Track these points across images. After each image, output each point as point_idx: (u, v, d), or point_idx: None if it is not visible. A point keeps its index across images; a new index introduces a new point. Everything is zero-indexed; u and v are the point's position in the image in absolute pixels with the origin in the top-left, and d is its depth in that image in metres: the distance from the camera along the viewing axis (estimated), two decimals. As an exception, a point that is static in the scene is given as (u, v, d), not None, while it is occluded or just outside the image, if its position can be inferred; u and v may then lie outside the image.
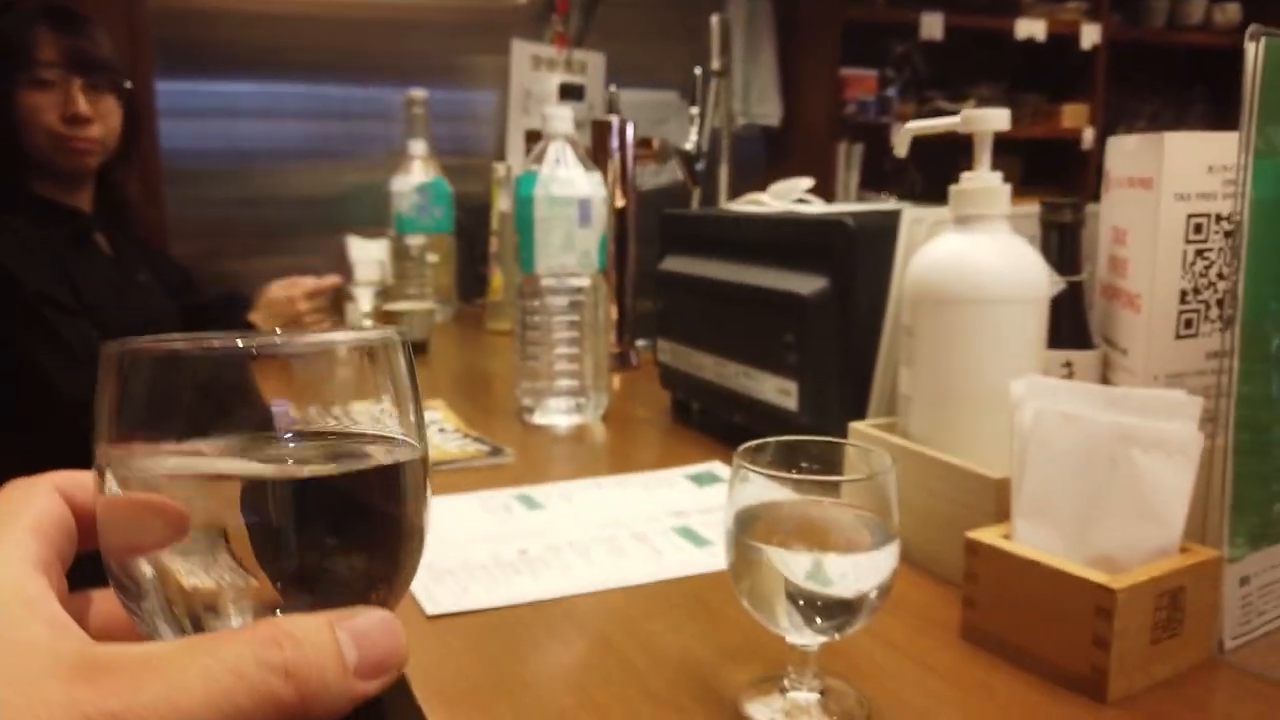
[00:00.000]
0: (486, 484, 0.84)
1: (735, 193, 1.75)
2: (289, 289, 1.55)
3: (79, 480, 0.29)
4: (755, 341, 0.88)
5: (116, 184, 1.50)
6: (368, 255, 1.87)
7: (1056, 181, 2.60)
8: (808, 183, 1.04)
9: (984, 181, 0.64)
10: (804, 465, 0.47)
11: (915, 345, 0.65)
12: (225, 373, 0.27)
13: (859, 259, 0.76)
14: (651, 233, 1.43)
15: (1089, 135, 2.55)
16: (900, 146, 0.73)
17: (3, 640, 0.24)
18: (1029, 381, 0.55)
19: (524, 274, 1.03)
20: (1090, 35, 2.48)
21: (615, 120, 1.33)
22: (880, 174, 2.43)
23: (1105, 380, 0.68)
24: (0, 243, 1.29)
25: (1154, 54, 2.76)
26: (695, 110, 1.46)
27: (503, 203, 1.71)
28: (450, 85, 2.09)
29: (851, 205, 0.95)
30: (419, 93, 1.92)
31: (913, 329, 0.66)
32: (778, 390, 0.84)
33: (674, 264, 1.04)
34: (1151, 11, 2.68)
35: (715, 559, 0.66)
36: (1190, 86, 2.84)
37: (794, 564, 0.43)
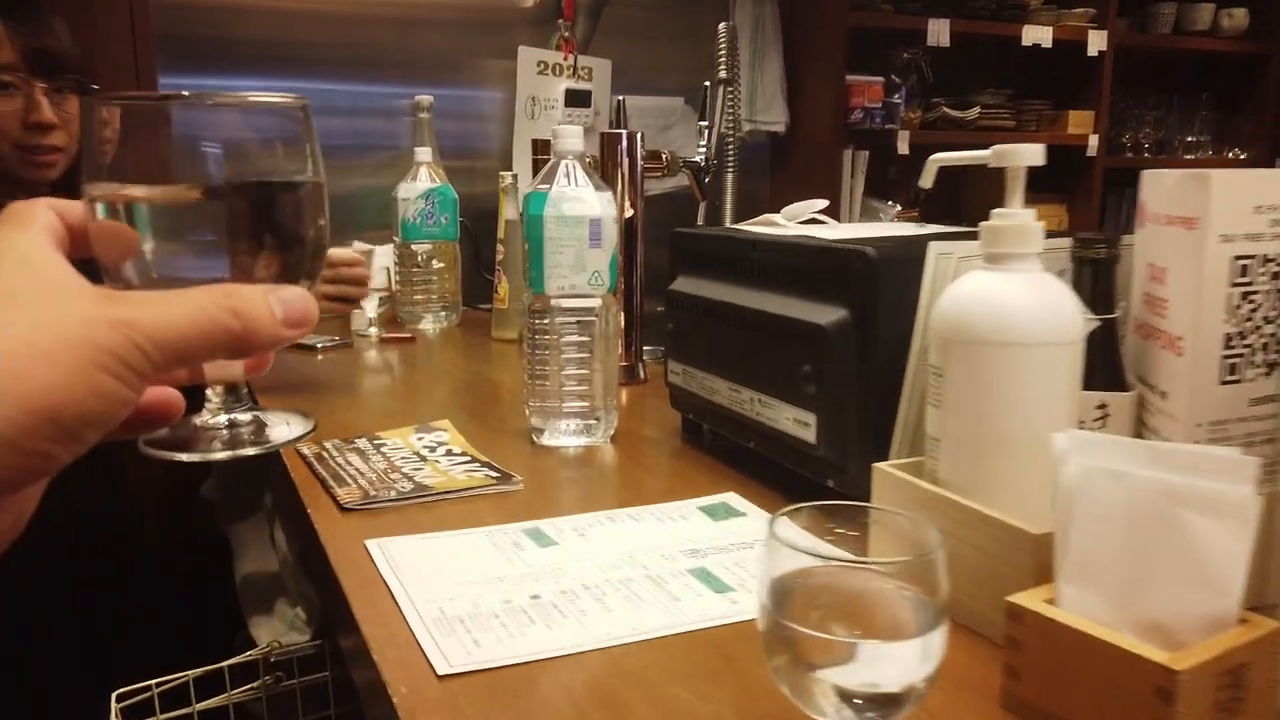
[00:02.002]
0: (495, 514, 0.82)
1: (741, 200, 1.73)
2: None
3: (66, 205, 0.38)
4: (772, 370, 0.85)
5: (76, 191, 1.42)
6: (374, 261, 1.84)
7: (1061, 188, 2.58)
8: (821, 204, 1.02)
9: (1017, 219, 0.61)
10: (840, 531, 0.45)
11: (945, 387, 0.63)
12: (173, 119, 0.38)
13: (880, 290, 0.74)
14: (655, 234, 1.41)
15: (1094, 142, 2.52)
16: (927, 178, 0.70)
17: (45, 280, 0.33)
18: (1072, 436, 0.52)
19: (533, 293, 1.00)
20: (1097, 42, 2.45)
21: (624, 133, 1.30)
22: (885, 181, 2.41)
23: (1141, 423, 0.66)
24: None
25: (1160, 60, 2.74)
26: (704, 123, 1.43)
27: (509, 211, 1.69)
28: (456, 83, 2.06)
29: (869, 228, 0.93)
30: (425, 97, 1.89)
31: (942, 370, 0.63)
32: (795, 421, 0.82)
33: (685, 285, 1.02)
34: (1158, 17, 2.66)
35: (736, 607, 0.63)
36: (1197, 92, 2.82)
37: (834, 653, 0.41)
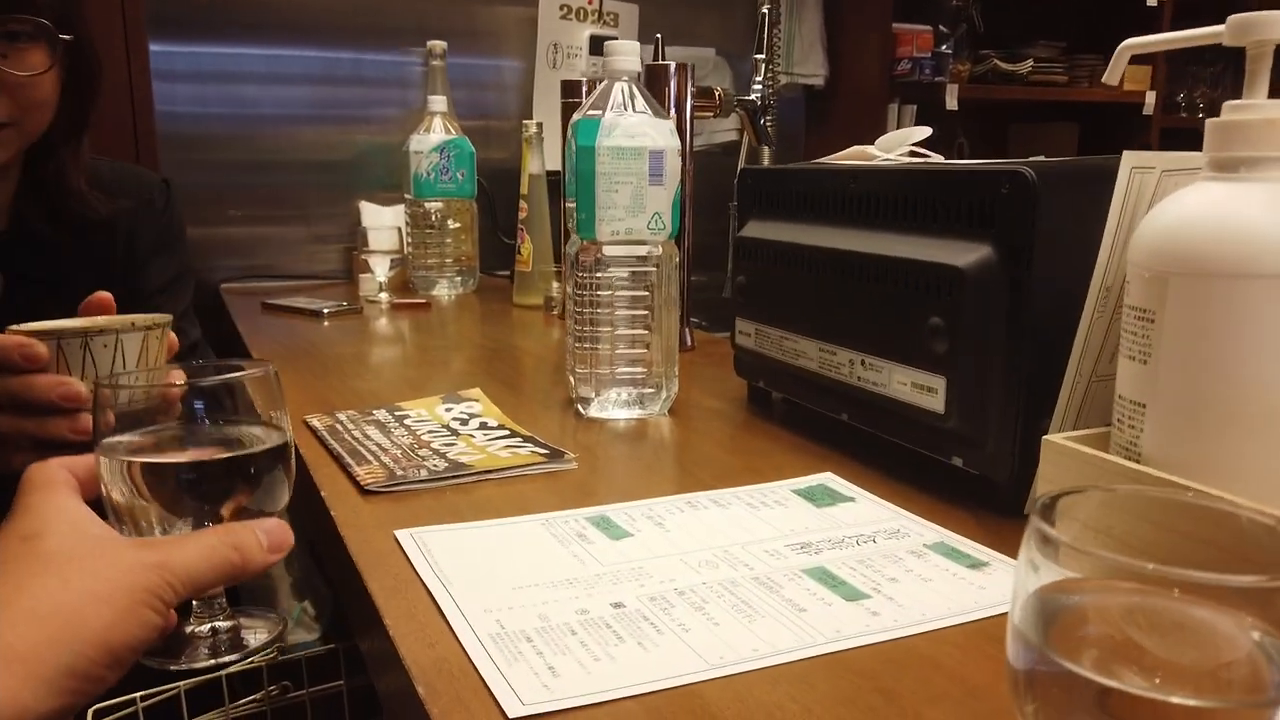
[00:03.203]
0: (548, 497, 0.67)
1: (780, 157, 1.58)
2: None
3: (74, 462, 0.47)
4: (882, 325, 0.71)
5: (52, 176, 0.92)
6: (382, 222, 1.69)
7: (1116, 149, 2.41)
8: (923, 132, 0.87)
9: (1264, 112, 0.46)
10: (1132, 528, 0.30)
11: (1156, 335, 0.48)
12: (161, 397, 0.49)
13: (1040, 220, 0.59)
14: (702, 198, 1.26)
15: (1151, 99, 2.36)
16: (1115, 71, 0.55)
17: (91, 537, 0.43)
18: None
19: (582, 240, 0.85)
20: (1156, -11, 2.29)
21: (672, 65, 1.15)
22: (928, 139, 2.25)
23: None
24: None
25: (1218, 9, 2.57)
26: (759, 56, 1.28)
27: (533, 164, 1.53)
28: (470, 45, 1.90)
29: (986, 162, 0.78)
30: (438, 43, 1.74)
31: (1152, 312, 0.48)
32: (915, 386, 0.67)
33: (758, 229, 0.87)
34: (1219, -34, 2.50)
35: (878, 620, 0.49)
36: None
37: (1150, 716, 0.26)
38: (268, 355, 1.17)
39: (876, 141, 0.85)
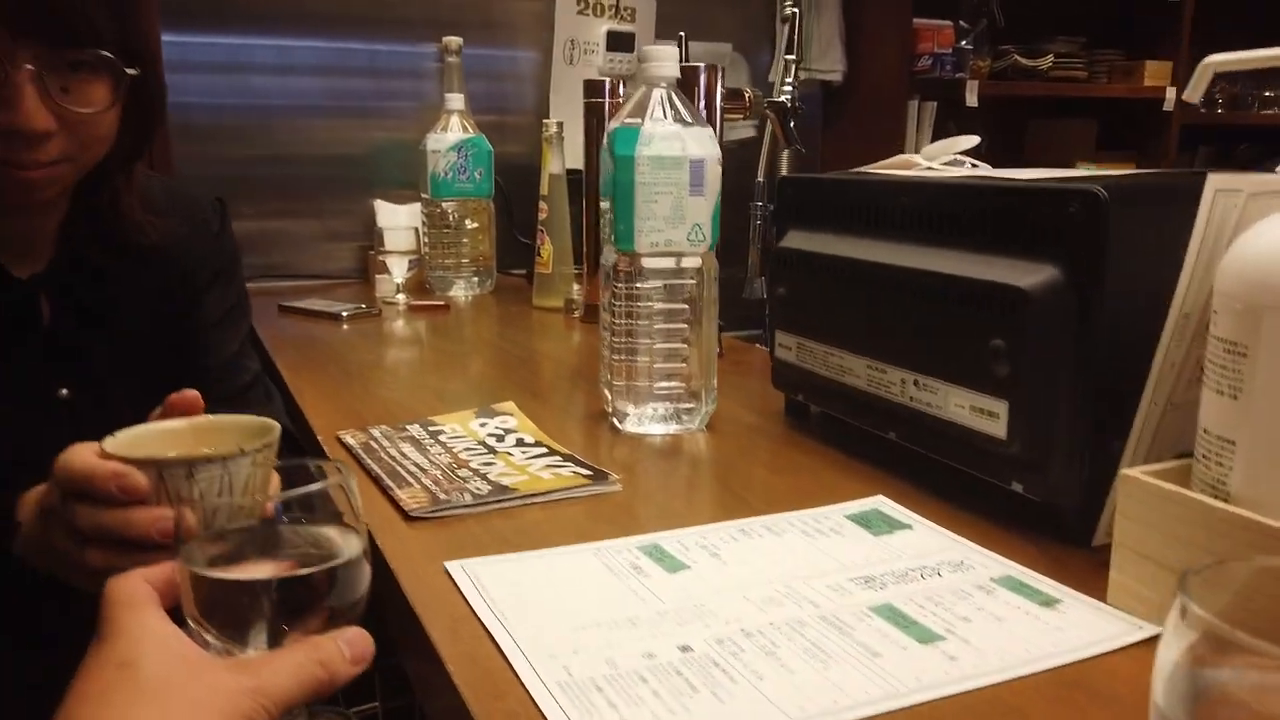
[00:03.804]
0: (596, 523, 0.65)
1: (797, 154, 1.55)
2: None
3: (153, 573, 0.46)
4: (938, 345, 0.69)
5: (106, 205, 0.82)
6: (398, 222, 1.67)
7: (1135, 146, 2.39)
8: (970, 141, 0.85)
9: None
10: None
11: (1250, 369, 0.46)
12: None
13: (1112, 241, 0.57)
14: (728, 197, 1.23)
15: (1171, 95, 2.33)
16: (1198, 88, 0.53)
17: (186, 660, 0.42)
18: None
19: (620, 251, 0.83)
20: (1178, -16, 2.26)
21: (702, 67, 1.12)
22: (943, 136, 2.22)
23: None
24: None
25: (1237, 7, 2.54)
26: (790, 57, 1.25)
27: (553, 164, 1.51)
28: (485, 37, 1.87)
29: (1040, 172, 0.76)
30: (454, 39, 1.71)
31: (1245, 345, 0.46)
32: (974, 409, 0.65)
33: (800, 240, 0.85)
34: (1240, -41, 2.47)
35: (957, 667, 0.47)
36: (1274, 42, 2.63)
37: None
38: (290, 362, 1.14)
39: (922, 150, 0.83)
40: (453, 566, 0.57)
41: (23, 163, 0.71)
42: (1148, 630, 0.50)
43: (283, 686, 0.42)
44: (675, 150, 0.81)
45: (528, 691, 0.44)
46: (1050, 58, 2.22)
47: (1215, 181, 0.52)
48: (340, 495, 0.47)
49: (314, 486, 0.47)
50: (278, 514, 0.47)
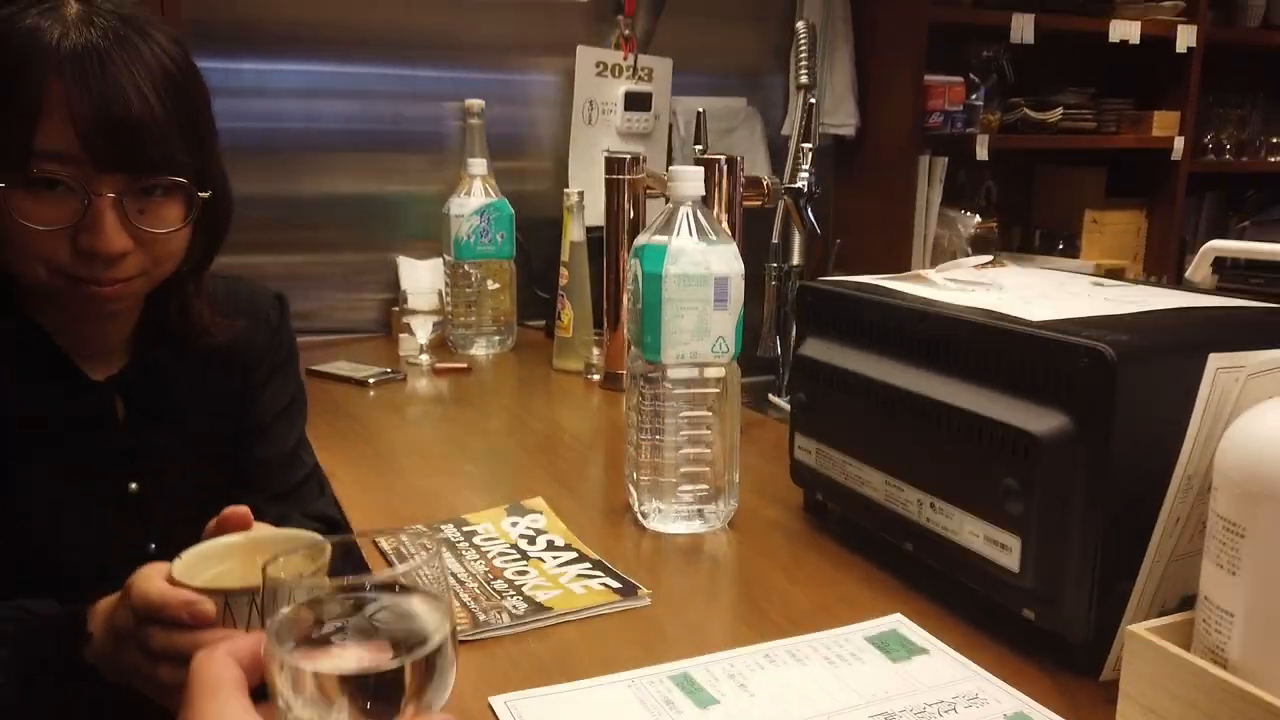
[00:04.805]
0: (627, 644, 0.69)
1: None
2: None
3: (239, 649, 0.45)
4: (955, 474, 0.72)
5: (176, 314, 0.87)
6: (423, 284, 1.70)
7: (1144, 193, 2.42)
8: (981, 259, 0.88)
9: (1361, 343, 0.48)
10: None
11: (1248, 551, 0.50)
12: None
13: (1120, 398, 0.60)
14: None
15: (1179, 144, 2.36)
16: (1198, 269, 0.56)
17: None
18: None
19: (647, 360, 0.87)
20: (1186, 37, 2.29)
21: (722, 159, 1.16)
22: (954, 187, 2.26)
23: None
24: None
25: (1247, 56, 2.57)
26: (807, 145, 1.29)
27: (574, 232, 1.55)
28: (505, 71, 1.91)
29: (1058, 289, 0.79)
30: (476, 102, 1.76)
31: (1244, 529, 0.50)
32: (988, 539, 0.69)
33: (821, 350, 0.88)
34: (1248, 10, 2.49)
35: (976, 821, 0.50)
36: (1280, 90, 2.66)
37: None
38: (321, 436, 1.18)
39: (939, 267, 0.87)
40: (496, 702, 0.61)
41: (100, 280, 0.76)
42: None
43: None
44: (700, 269, 0.85)
45: None
46: (1059, 110, 2.25)
47: (1216, 360, 0.55)
48: (432, 569, 0.46)
49: (404, 567, 0.47)
50: (368, 592, 0.46)
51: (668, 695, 0.62)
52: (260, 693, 0.44)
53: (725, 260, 0.86)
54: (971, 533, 0.70)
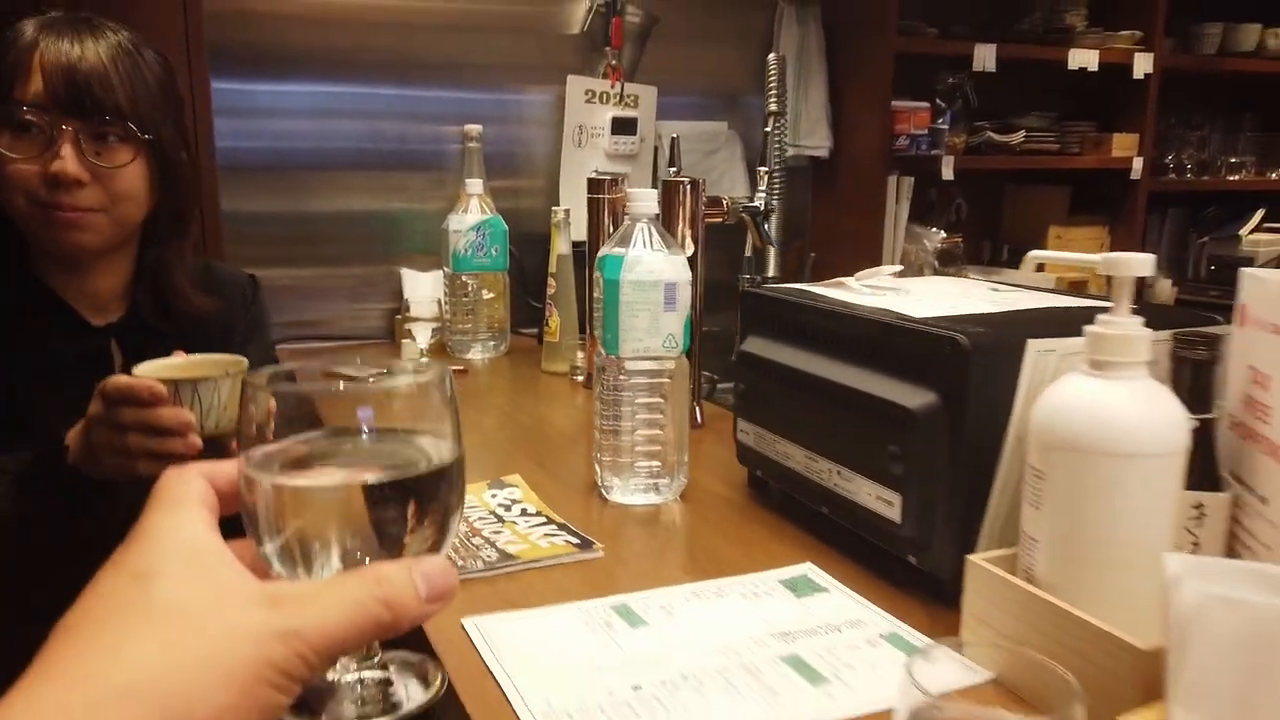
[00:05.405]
0: (580, 585, 0.83)
1: (785, 219, 1.72)
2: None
3: (215, 469, 0.41)
4: (853, 444, 0.86)
5: (152, 267, 1.15)
6: (424, 294, 1.86)
7: (1106, 211, 2.57)
8: (893, 269, 1.03)
9: (1125, 328, 0.62)
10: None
11: (1045, 489, 0.64)
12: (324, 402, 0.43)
13: (972, 378, 0.75)
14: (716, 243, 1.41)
15: (1138, 165, 2.51)
16: (1026, 268, 0.71)
17: (215, 581, 0.35)
18: (1184, 559, 0.53)
19: (607, 354, 1.02)
20: (1143, 65, 2.44)
21: (686, 181, 1.31)
22: (925, 205, 2.41)
23: (1237, 523, 0.67)
24: None
25: (1204, 81, 2.72)
26: (763, 169, 1.44)
27: (561, 245, 1.70)
28: (502, 92, 2.08)
29: (948, 294, 0.94)
30: (474, 127, 1.91)
31: (1042, 472, 0.64)
32: (877, 498, 0.83)
33: (757, 346, 1.03)
34: (1204, 39, 2.64)
35: (834, 704, 0.64)
36: (1240, 113, 2.80)
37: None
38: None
39: (856, 275, 1.01)
40: (468, 622, 0.75)
41: (61, 205, 1.03)
42: (981, 675, 0.67)
43: (329, 629, 0.34)
44: (652, 276, 0.99)
45: (516, 715, 0.62)
46: (1022, 133, 2.40)
47: (1035, 345, 0.69)
48: (436, 395, 0.41)
49: (402, 379, 0.43)
50: (361, 423, 0.41)
51: (607, 619, 0.77)
52: (237, 529, 0.40)
53: (675, 268, 1.00)
54: (867, 493, 0.84)
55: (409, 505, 0.39)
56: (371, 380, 0.43)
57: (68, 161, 1.02)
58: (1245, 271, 0.67)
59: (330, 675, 0.42)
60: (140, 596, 0.34)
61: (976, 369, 0.74)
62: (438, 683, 0.44)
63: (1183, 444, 0.61)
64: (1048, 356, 0.69)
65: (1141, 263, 0.62)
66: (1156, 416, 0.61)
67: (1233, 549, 0.67)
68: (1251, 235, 2.57)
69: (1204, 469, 0.67)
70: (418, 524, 0.40)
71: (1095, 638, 0.59)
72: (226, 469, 0.41)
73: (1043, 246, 2.57)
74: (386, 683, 0.44)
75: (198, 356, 1.01)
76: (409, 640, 0.74)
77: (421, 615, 0.37)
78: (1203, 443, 0.67)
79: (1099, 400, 0.62)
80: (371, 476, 0.39)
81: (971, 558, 0.70)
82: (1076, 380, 0.64)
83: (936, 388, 0.77)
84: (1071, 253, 0.67)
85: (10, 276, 1.10)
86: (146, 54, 1.10)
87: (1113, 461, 0.60)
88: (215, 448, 0.96)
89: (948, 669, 0.48)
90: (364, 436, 0.41)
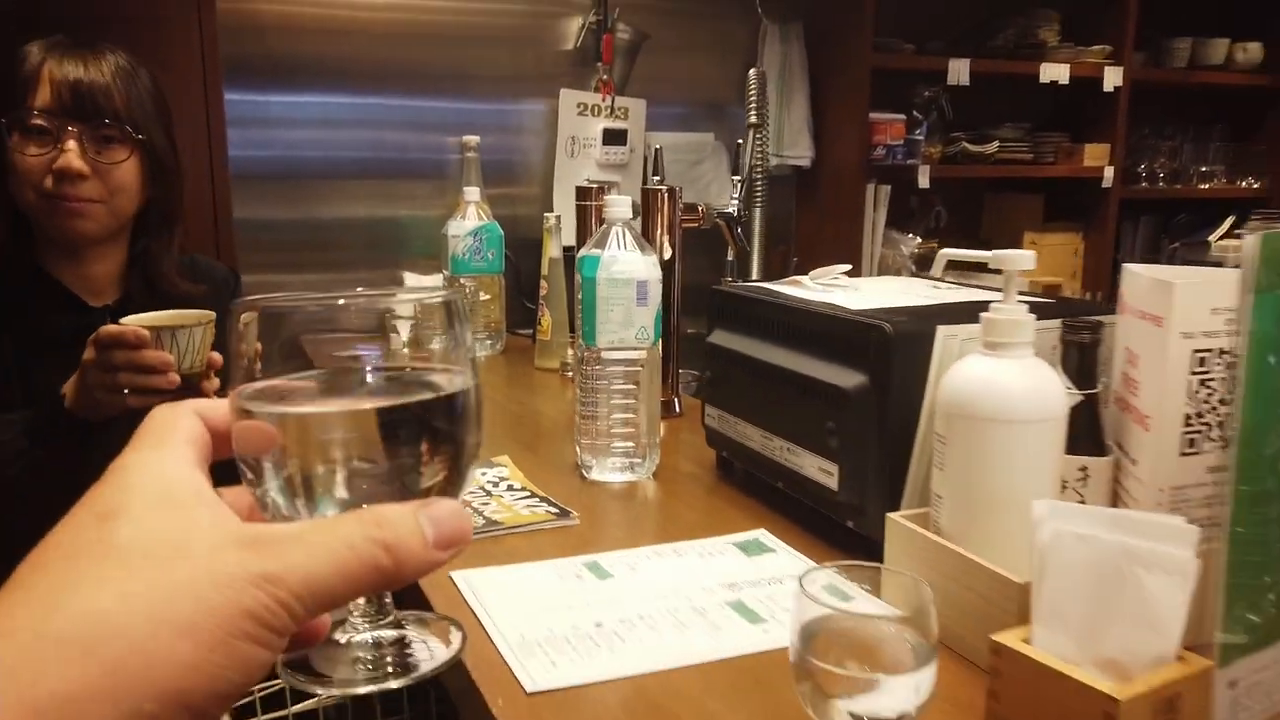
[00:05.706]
0: (557, 547, 0.94)
1: (769, 225, 1.84)
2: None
3: (209, 406, 0.37)
4: (799, 422, 0.97)
5: (141, 254, 1.34)
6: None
7: (1079, 218, 2.67)
8: (844, 268, 1.13)
9: (1011, 315, 0.72)
10: (857, 585, 0.56)
11: (947, 452, 0.74)
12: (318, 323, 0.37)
13: (895, 360, 0.85)
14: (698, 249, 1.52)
15: (1109, 174, 2.62)
16: (937, 269, 0.81)
17: (187, 520, 0.31)
18: (1048, 504, 0.64)
19: (586, 345, 1.13)
20: (1113, 78, 2.55)
21: (664, 189, 1.42)
22: (905, 212, 2.52)
23: (1118, 483, 0.77)
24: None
25: (1175, 93, 2.82)
26: (737, 178, 1.55)
27: (552, 249, 1.81)
28: (502, 100, 2.20)
29: (889, 291, 1.04)
30: (472, 137, 2.03)
31: (945, 438, 0.75)
32: (819, 469, 0.93)
33: (722, 338, 1.14)
34: (1173, 52, 2.75)
35: (767, 637, 0.75)
36: (1210, 124, 2.91)
37: (848, 685, 0.52)
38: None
39: (810, 273, 1.12)
40: (456, 575, 0.86)
41: (66, 196, 1.22)
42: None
43: (317, 574, 0.30)
44: (626, 274, 1.10)
45: (494, 645, 0.73)
46: (996, 144, 2.51)
47: (943, 330, 0.80)
48: (446, 316, 0.37)
49: (408, 297, 0.38)
50: (363, 356, 0.37)
51: (578, 573, 0.87)
52: (232, 476, 0.37)
53: (646, 267, 1.11)
54: (811, 466, 0.95)
55: (416, 438, 0.35)
56: (376, 295, 0.38)
57: (72, 156, 1.20)
58: (1126, 267, 0.77)
59: (340, 636, 0.37)
60: (101, 538, 0.30)
61: (898, 353, 0.85)
62: (457, 643, 0.39)
63: (1061, 411, 0.72)
64: (953, 340, 0.80)
65: (1024, 258, 0.73)
66: (1038, 388, 0.72)
67: (1114, 507, 0.77)
68: (1221, 241, 2.67)
69: (1090, 437, 0.77)
70: (428, 459, 0.35)
71: (985, 576, 0.70)
72: (223, 407, 0.37)
73: (1019, 252, 2.67)
74: (403, 643, 0.38)
75: (174, 311, 1.19)
76: (406, 596, 0.85)
77: (428, 563, 0.33)
78: (1088, 415, 0.77)
79: (990, 375, 0.72)
80: (370, 403, 0.35)
81: (891, 516, 0.80)
82: (974, 359, 0.74)
83: (866, 369, 0.88)
84: (973, 250, 0.77)
85: (18, 265, 1.28)
86: (141, 71, 1.29)
87: (1001, 426, 0.71)
88: (190, 386, 1.15)
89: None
90: (365, 371, 0.37)
